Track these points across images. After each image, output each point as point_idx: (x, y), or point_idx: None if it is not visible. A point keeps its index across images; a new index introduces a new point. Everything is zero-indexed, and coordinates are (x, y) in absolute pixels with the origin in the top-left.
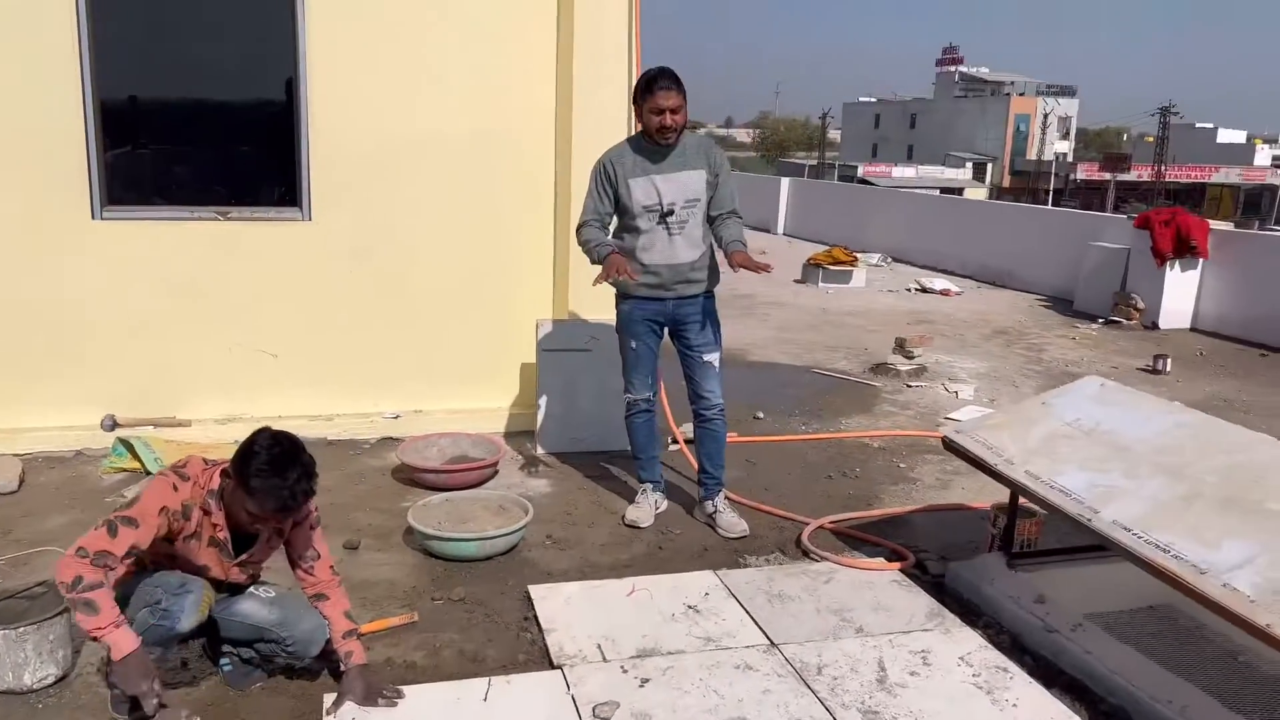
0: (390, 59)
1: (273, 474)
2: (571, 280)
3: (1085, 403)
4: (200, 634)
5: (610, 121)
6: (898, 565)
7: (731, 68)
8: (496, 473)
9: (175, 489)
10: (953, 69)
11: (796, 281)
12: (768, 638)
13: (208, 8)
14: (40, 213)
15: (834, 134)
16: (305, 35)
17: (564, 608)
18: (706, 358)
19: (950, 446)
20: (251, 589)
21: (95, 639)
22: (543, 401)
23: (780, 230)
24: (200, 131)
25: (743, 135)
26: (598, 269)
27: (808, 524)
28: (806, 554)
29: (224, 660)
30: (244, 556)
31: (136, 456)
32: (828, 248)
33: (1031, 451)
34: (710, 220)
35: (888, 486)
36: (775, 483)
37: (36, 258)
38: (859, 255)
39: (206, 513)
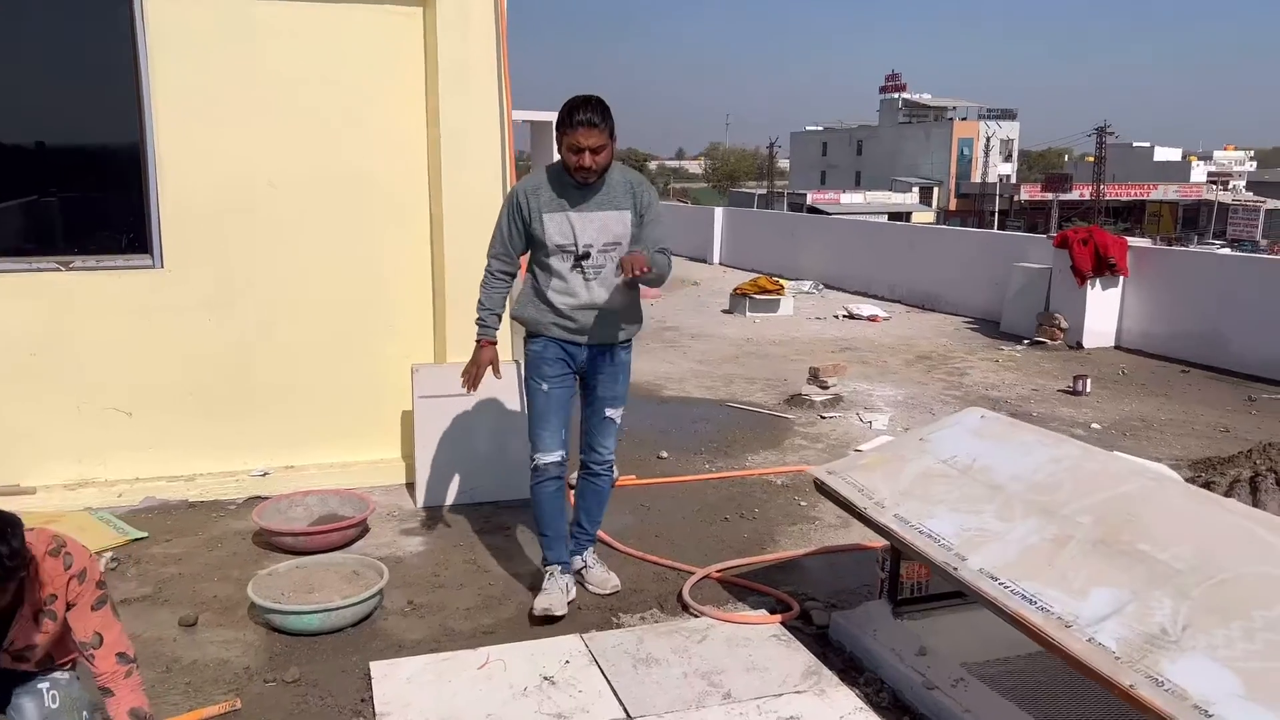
0: (247, 98)
1: None
2: (449, 322)
3: (965, 437)
4: None
5: (481, 157)
6: (779, 618)
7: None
8: (366, 531)
9: None
10: (896, 96)
11: (724, 312)
12: (625, 711)
13: (41, 46)
14: None
15: (784, 163)
16: (149, 72)
17: (405, 686)
18: (609, 413)
19: (821, 489)
20: (43, 683)
21: None
22: (421, 452)
23: (716, 259)
24: (37, 177)
25: (694, 166)
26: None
27: (693, 574)
28: (686, 608)
29: None
30: (5, 645)
31: None
32: (754, 277)
33: (903, 493)
34: None
35: (786, 527)
36: (668, 528)
37: None
38: (790, 283)
39: None
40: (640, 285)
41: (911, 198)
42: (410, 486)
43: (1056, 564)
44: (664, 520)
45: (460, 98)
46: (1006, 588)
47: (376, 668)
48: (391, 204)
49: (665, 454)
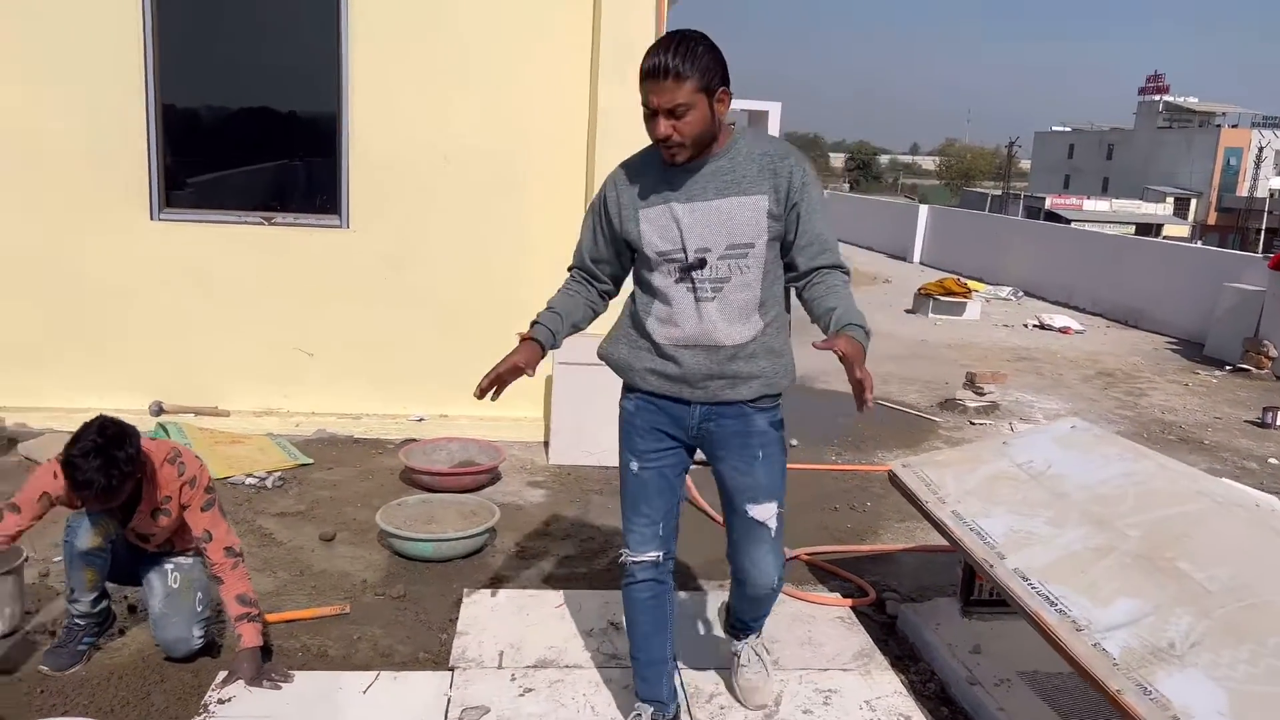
0: (428, 75)
1: (79, 458)
2: None
3: (1047, 444)
4: (132, 581)
5: (627, 136)
6: (849, 602)
7: (920, 94)
8: (497, 479)
9: (55, 476)
10: (1157, 98)
11: (907, 311)
12: (674, 660)
13: (260, 27)
14: (106, 212)
15: (1025, 164)
16: (349, 54)
17: (487, 613)
18: (753, 511)
19: (893, 481)
20: (170, 564)
21: None
22: (556, 413)
23: (916, 259)
24: (250, 141)
25: (927, 162)
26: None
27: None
28: None
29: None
30: (129, 528)
31: None
32: (941, 278)
33: (969, 492)
34: (794, 280)
35: (893, 523)
36: None
37: (100, 253)
38: (988, 287)
39: None
40: (782, 314)
41: (1165, 209)
42: (545, 444)
43: (1090, 572)
44: None
45: (616, 76)
46: (1033, 588)
47: (468, 594)
48: (548, 178)
49: (795, 442)
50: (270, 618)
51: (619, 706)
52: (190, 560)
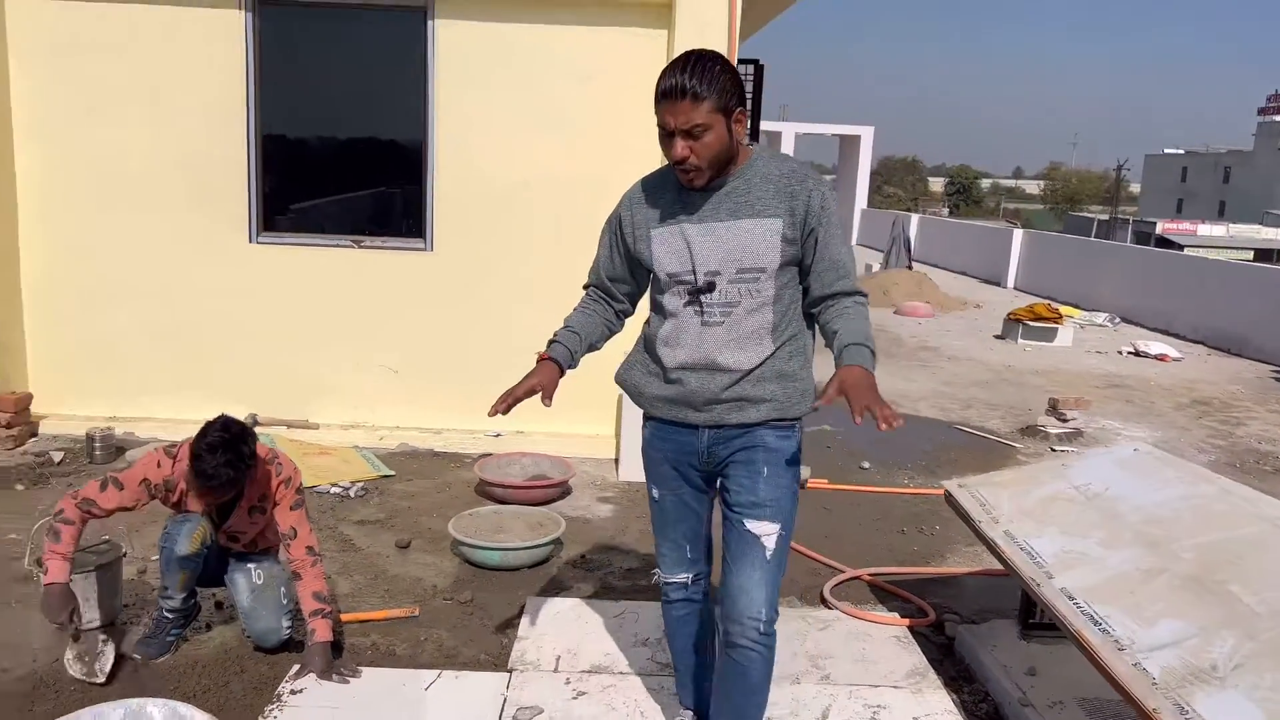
0: (507, 109)
1: (206, 452)
2: None
3: (1107, 467)
4: (214, 580)
5: None
6: (907, 622)
7: (1024, 116)
8: (567, 493)
9: (159, 465)
10: (1278, 118)
11: (996, 337)
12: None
13: (353, 65)
14: (209, 237)
15: (1135, 187)
16: (434, 90)
17: (547, 619)
18: (750, 526)
19: (949, 502)
20: (252, 563)
21: (40, 559)
22: (626, 432)
23: (1010, 283)
24: (342, 170)
25: (1031, 186)
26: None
27: (843, 572)
28: (824, 602)
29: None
30: (225, 525)
31: None
32: (1032, 303)
33: (1023, 512)
34: (810, 305)
35: (961, 547)
36: (841, 531)
37: (203, 275)
38: (1083, 313)
39: (189, 488)
40: (799, 338)
41: None
42: (615, 461)
43: (1138, 593)
44: (839, 524)
45: None
46: (1079, 607)
47: (530, 601)
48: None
49: (867, 465)
50: (344, 617)
51: (667, 713)
52: (270, 560)
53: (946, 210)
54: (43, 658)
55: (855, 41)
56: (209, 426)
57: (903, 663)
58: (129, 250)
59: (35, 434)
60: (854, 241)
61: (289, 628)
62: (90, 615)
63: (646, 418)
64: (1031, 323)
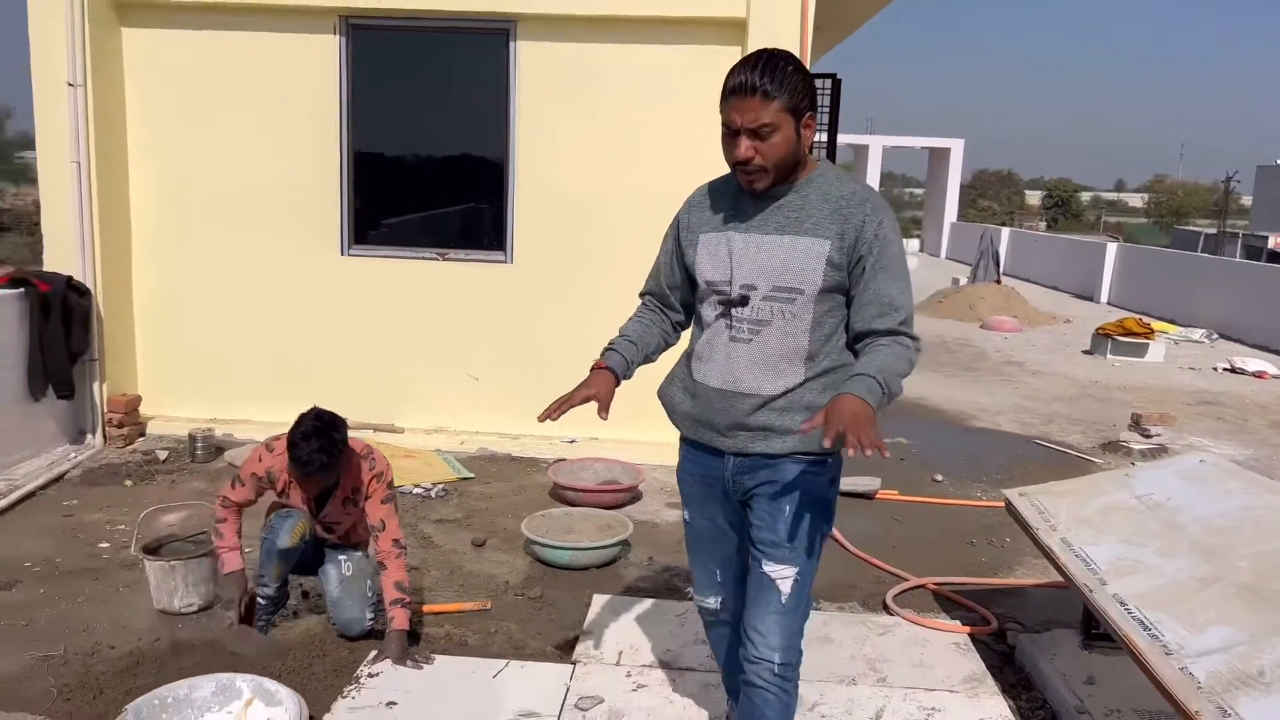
0: (584, 125)
1: (300, 440)
2: None
3: (1170, 478)
4: (310, 570)
5: None
6: (967, 630)
7: (1127, 128)
8: (637, 498)
9: (261, 459)
10: None
11: (1084, 352)
12: None
13: (438, 86)
14: (305, 249)
15: (1246, 200)
16: (515, 109)
17: (612, 616)
18: (768, 568)
19: (1009, 509)
20: (343, 556)
21: (214, 553)
22: None
23: (1103, 298)
24: (428, 187)
25: (1134, 200)
26: None
27: (907, 581)
28: (886, 609)
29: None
30: (321, 515)
31: None
32: (1121, 318)
33: (1081, 520)
34: (851, 342)
35: (1030, 560)
36: (909, 541)
37: (298, 284)
38: (1179, 329)
39: (290, 478)
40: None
41: None
42: None
43: (1190, 600)
44: (908, 534)
45: None
46: (1130, 612)
47: (597, 599)
48: None
49: (940, 478)
50: (422, 609)
51: (719, 705)
52: (360, 555)
53: (1044, 224)
54: (145, 637)
55: (947, 54)
56: (303, 417)
57: (960, 668)
58: (231, 263)
59: (143, 434)
60: (942, 255)
61: (372, 619)
62: (190, 599)
63: (680, 439)
64: (1121, 338)
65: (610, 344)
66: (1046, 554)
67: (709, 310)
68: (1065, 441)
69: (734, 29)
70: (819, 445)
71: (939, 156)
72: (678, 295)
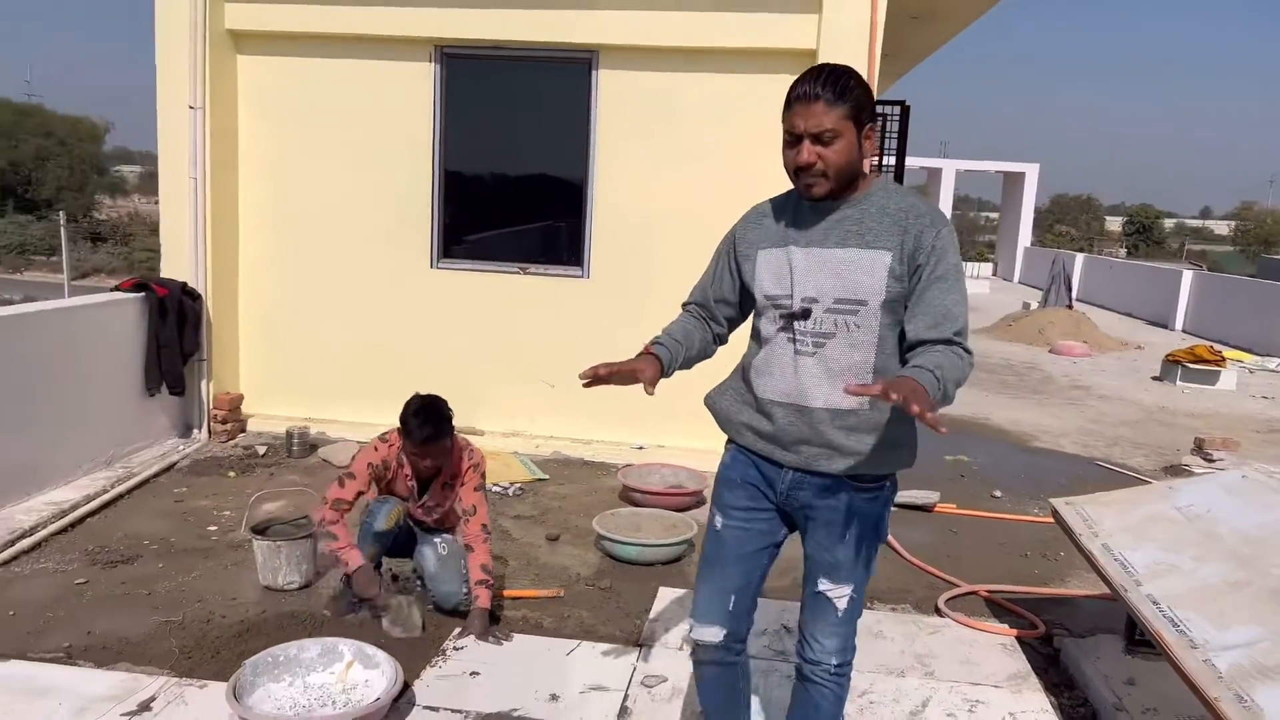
0: (657, 148)
1: (412, 417)
2: None
3: (1213, 491)
4: (402, 553)
5: None
6: (1015, 632)
7: (1211, 155)
8: (701, 502)
9: (376, 449)
10: None
11: (1153, 378)
12: None
13: (524, 110)
14: (398, 261)
15: None
16: (595, 133)
17: (676, 606)
18: (825, 587)
19: (1055, 517)
20: (438, 538)
21: (336, 557)
22: None
23: (1178, 325)
24: (512, 204)
25: (1220, 227)
26: None
27: (960, 587)
28: (938, 611)
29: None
30: (423, 499)
31: None
32: (1193, 345)
33: (1123, 528)
34: (905, 352)
35: (1083, 572)
36: (964, 551)
37: (391, 294)
38: (1255, 358)
39: (400, 465)
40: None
41: None
42: None
43: (1220, 602)
44: (963, 545)
45: None
46: (1161, 611)
47: (662, 591)
48: None
49: (999, 494)
50: (502, 592)
51: (779, 693)
52: (453, 537)
53: (1124, 250)
54: (252, 609)
55: (1025, 78)
56: (410, 401)
57: (1006, 667)
58: (329, 273)
59: (244, 430)
60: (1015, 279)
61: (466, 593)
62: (292, 577)
63: (730, 444)
64: (1191, 365)
65: (656, 338)
66: (1088, 558)
67: (769, 325)
68: (1127, 464)
69: (804, 59)
70: (881, 468)
71: (1013, 181)
72: (722, 309)
